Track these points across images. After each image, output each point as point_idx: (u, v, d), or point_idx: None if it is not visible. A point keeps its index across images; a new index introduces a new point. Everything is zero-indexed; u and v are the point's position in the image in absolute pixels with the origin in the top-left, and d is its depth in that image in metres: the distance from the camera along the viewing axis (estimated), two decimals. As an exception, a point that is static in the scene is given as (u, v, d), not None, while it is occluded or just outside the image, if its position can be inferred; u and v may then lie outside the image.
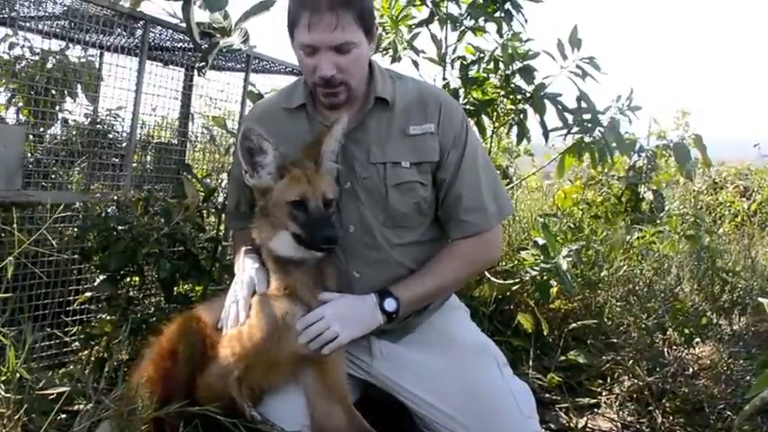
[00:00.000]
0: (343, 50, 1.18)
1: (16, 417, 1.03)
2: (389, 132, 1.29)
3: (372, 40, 1.26)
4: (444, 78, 2.23)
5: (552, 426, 1.69)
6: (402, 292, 1.26)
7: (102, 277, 1.58)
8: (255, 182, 1.22)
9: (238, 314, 1.22)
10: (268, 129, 1.26)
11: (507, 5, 2.09)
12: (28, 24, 1.80)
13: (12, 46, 1.81)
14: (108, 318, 1.58)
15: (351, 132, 1.28)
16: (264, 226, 1.23)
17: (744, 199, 4.51)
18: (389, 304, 1.24)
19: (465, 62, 2.19)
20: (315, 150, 1.22)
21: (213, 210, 1.89)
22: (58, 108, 1.82)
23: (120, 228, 1.58)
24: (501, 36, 2.11)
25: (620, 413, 1.73)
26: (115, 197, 1.72)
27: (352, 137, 1.28)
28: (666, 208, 2.72)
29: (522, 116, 2.21)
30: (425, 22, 2.17)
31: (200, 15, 1.75)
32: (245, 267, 1.28)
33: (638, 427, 1.67)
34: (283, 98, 1.36)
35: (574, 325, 2.05)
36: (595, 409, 1.79)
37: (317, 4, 1.15)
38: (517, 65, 2.13)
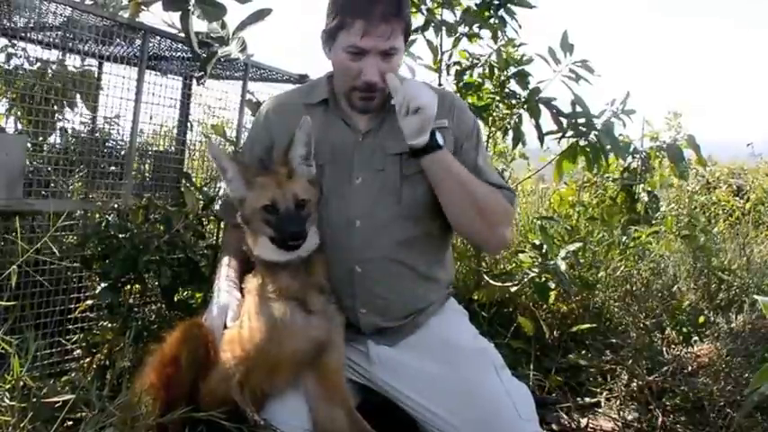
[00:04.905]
0: (389, 55, 1.24)
1: (21, 425, 1.03)
2: None
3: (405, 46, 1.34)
4: (440, 84, 2.25)
5: (554, 426, 1.70)
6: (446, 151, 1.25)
7: (103, 285, 1.57)
8: (231, 193, 1.27)
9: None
10: (284, 121, 1.32)
11: (501, 12, 2.12)
12: (28, 35, 1.81)
13: (10, 56, 1.81)
14: (109, 325, 1.58)
15: (370, 130, 1.33)
16: (248, 234, 1.28)
17: (737, 198, 4.55)
18: (440, 138, 1.24)
19: (460, 68, 2.22)
20: (284, 157, 1.28)
21: (212, 217, 1.90)
22: (57, 117, 1.82)
23: (120, 236, 1.58)
24: (496, 42, 2.14)
25: (622, 412, 1.74)
26: (115, 205, 1.72)
27: (371, 133, 1.33)
28: (661, 209, 2.74)
29: (517, 120, 2.24)
30: (421, 29, 2.20)
31: (198, 25, 1.77)
32: (221, 288, 1.30)
33: (639, 425, 1.68)
34: (303, 94, 1.40)
35: (574, 328, 2.06)
36: (596, 409, 1.80)
37: (371, 14, 1.20)
38: (512, 70, 2.16)
